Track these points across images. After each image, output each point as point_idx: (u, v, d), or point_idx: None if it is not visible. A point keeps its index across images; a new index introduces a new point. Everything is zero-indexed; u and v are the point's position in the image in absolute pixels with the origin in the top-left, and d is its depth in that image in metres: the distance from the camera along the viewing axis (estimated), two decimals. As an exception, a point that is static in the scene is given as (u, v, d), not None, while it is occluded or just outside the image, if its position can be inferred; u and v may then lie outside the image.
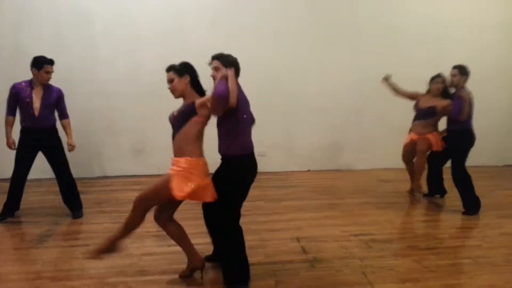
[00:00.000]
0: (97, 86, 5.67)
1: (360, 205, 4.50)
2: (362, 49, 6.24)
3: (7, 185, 4.08)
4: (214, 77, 2.85)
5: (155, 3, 5.71)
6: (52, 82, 5.22)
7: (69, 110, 5.67)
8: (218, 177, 2.76)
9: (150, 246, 3.31)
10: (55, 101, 4.03)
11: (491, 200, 4.72)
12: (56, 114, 4.16)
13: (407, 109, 6.36)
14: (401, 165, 6.41)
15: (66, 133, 4.14)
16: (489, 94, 6.60)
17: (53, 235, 3.54)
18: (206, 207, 2.83)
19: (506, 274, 2.87)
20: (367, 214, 4.16)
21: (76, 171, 5.67)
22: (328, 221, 3.95)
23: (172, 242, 3.35)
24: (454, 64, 6.40)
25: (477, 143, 6.62)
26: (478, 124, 6.59)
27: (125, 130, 5.79)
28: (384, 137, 6.44)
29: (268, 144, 6.07)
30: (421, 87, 6.39)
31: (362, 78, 6.26)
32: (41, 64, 3.86)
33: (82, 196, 4.73)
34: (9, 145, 3.99)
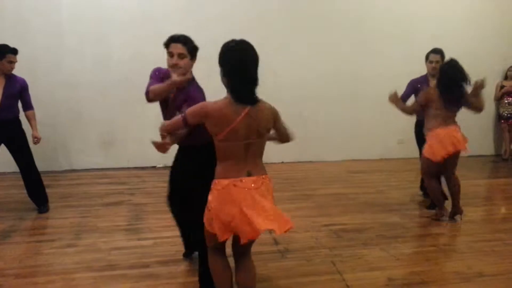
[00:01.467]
0: (63, 76, 5.47)
1: (331, 196, 4.56)
2: (334, 41, 6.29)
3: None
4: (174, 66, 2.52)
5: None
6: (15, 72, 5.01)
7: (34, 102, 5.45)
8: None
9: (119, 240, 3.25)
10: (18, 91, 3.87)
11: (456, 190, 4.89)
12: (20, 105, 3.99)
13: (373, 102, 6.52)
14: (371, 156, 6.59)
15: (31, 125, 3.98)
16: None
17: (17, 231, 3.42)
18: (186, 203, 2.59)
19: (469, 260, 2.97)
20: (337, 205, 4.22)
21: (41, 165, 5.48)
22: (300, 212, 3.99)
23: (142, 236, 3.33)
24: (420, 56, 6.59)
25: (443, 134, 6.91)
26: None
27: (93, 121, 5.63)
28: (353, 129, 6.55)
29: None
30: (389, 80, 6.55)
31: (333, 70, 6.32)
32: (3, 53, 3.70)
33: (48, 190, 4.58)
34: None
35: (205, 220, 2.09)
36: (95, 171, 5.56)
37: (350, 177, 5.50)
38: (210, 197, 2.06)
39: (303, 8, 6.13)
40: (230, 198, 1.98)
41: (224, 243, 2.11)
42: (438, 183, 3.89)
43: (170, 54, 2.56)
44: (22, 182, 4.84)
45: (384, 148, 6.69)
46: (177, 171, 2.70)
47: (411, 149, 6.76)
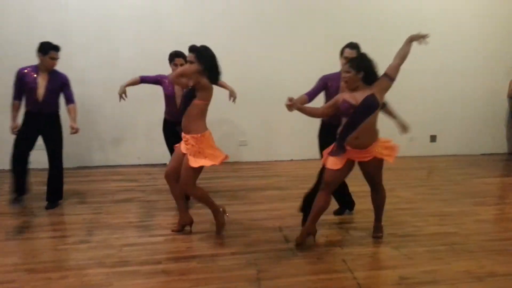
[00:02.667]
0: (72, 74, 5.45)
1: (341, 194, 4.54)
2: (341, 38, 6.22)
3: None
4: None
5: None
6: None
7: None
8: None
9: (130, 236, 3.28)
10: (60, 87, 4.03)
11: (468, 188, 4.85)
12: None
13: (385, 98, 6.47)
14: (382, 154, 6.55)
15: (70, 118, 4.10)
16: (465, 84, 6.75)
17: (30, 227, 3.47)
18: None
19: (481, 259, 2.95)
20: (347, 203, 4.20)
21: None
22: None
23: (153, 232, 3.36)
24: (433, 53, 6.53)
25: (454, 132, 6.85)
26: (455, 114, 6.80)
27: (103, 119, 5.68)
28: (365, 126, 6.51)
29: (250, 134, 6.06)
30: (400, 77, 6.49)
31: (339, 68, 6.27)
32: (46, 50, 3.88)
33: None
34: (12, 128, 4.00)
35: None
36: (106, 168, 5.61)
37: (360, 175, 5.44)
38: None
39: (308, 5, 6.09)
40: None
41: None
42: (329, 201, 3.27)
43: None
44: (35, 179, 4.91)
45: (395, 146, 6.63)
46: None
47: (422, 147, 6.76)
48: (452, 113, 6.81)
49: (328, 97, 3.64)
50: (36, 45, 5.39)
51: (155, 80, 4.17)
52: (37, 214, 3.78)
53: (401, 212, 3.95)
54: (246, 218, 3.71)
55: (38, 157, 5.57)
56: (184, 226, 3.37)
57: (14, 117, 4.00)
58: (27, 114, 3.98)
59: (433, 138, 6.83)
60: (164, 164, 5.71)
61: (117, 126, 5.74)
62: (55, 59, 3.95)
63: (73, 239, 3.22)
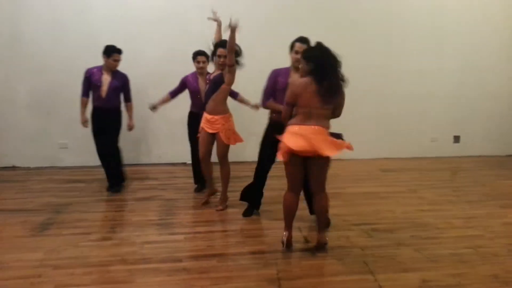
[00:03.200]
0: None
1: (362, 194, 4.50)
2: (364, 37, 6.18)
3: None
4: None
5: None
6: (51, 69, 5.23)
7: (71, 99, 5.68)
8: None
9: (151, 234, 3.32)
10: (121, 85, 4.52)
11: (494, 190, 4.72)
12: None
13: (405, 99, 6.37)
14: (403, 154, 6.45)
15: (128, 115, 4.71)
16: (490, 82, 6.57)
17: (54, 223, 3.54)
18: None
19: (508, 264, 2.87)
20: (368, 204, 4.16)
21: (77, 160, 5.72)
22: (330, 210, 3.87)
23: (174, 230, 3.39)
24: (455, 52, 6.39)
25: (480, 133, 6.68)
26: (480, 113, 6.63)
27: (126, 118, 5.72)
28: (384, 127, 6.43)
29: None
30: (422, 76, 6.39)
31: (362, 66, 6.20)
32: (110, 52, 4.38)
33: (83, 185, 4.77)
34: (82, 122, 4.55)
35: None
36: (128, 166, 5.66)
37: (381, 176, 5.40)
38: None
39: (329, 3, 6.04)
40: None
41: None
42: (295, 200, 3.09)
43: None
44: (58, 177, 5.07)
45: (417, 147, 6.53)
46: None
47: (445, 148, 6.62)
48: (476, 112, 6.64)
49: (277, 92, 3.50)
50: (61, 45, 5.56)
51: (182, 86, 4.56)
52: (60, 211, 3.86)
53: (424, 214, 3.87)
54: (266, 218, 3.71)
55: (61, 155, 5.73)
56: (211, 195, 4.04)
57: (83, 112, 4.52)
58: (94, 109, 4.50)
59: (456, 139, 6.69)
60: (184, 163, 5.78)
61: (139, 126, 5.78)
62: (117, 61, 4.43)
63: (96, 236, 3.27)
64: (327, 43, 6.34)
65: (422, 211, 3.97)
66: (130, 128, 4.72)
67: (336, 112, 3.21)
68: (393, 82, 6.34)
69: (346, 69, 6.51)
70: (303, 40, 3.56)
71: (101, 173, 5.31)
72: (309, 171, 2.98)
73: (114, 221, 3.61)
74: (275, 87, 3.52)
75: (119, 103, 4.59)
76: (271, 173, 3.77)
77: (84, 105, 4.51)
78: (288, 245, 3.02)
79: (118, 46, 5.57)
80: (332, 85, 3.05)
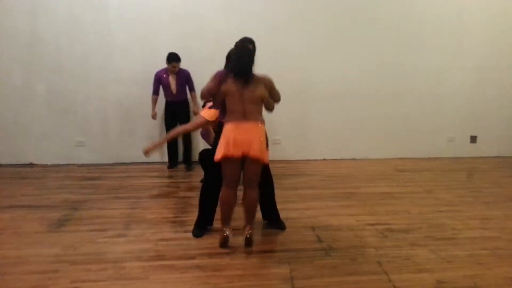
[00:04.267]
0: (113, 73, 5.70)
1: (376, 194, 4.46)
2: (378, 35, 6.12)
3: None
4: None
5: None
6: (69, 67, 5.35)
7: (87, 97, 5.78)
8: None
9: (166, 232, 3.35)
10: (185, 80, 5.44)
11: (511, 191, 4.64)
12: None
13: (421, 98, 6.29)
14: (418, 154, 6.38)
15: (194, 102, 5.55)
16: (507, 81, 6.45)
17: (71, 220, 3.60)
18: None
19: (525, 266, 2.81)
20: (383, 204, 4.12)
21: (93, 157, 5.81)
22: (344, 210, 3.93)
23: (188, 228, 3.41)
24: (472, 49, 6.27)
25: (497, 133, 6.56)
26: (499, 114, 6.51)
27: (140, 116, 5.81)
28: (399, 126, 6.36)
29: (283, 133, 6.05)
30: (438, 75, 6.30)
31: (377, 65, 6.16)
32: (169, 60, 5.25)
33: (99, 182, 4.85)
34: (152, 115, 5.45)
35: None
36: (142, 164, 5.76)
37: (396, 176, 5.35)
38: None
39: (346, 5, 6.00)
40: None
41: None
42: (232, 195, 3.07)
43: None
44: (74, 174, 5.16)
45: (433, 146, 6.45)
46: None
47: (462, 148, 6.52)
48: (494, 112, 6.53)
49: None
50: (78, 45, 5.66)
51: (158, 82, 5.41)
52: (76, 207, 3.92)
53: (440, 215, 3.82)
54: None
55: (78, 152, 5.82)
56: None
57: (153, 107, 5.40)
58: (166, 103, 5.50)
59: (473, 139, 6.58)
60: (196, 161, 5.81)
61: (153, 124, 5.87)
62: (175, 67, 5.28)
63: (112, 232, 3.32)
64: (341, 42, 6.37)
65: (438, 211, 3.92)
66: (195, 113, 5.44)
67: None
68: (409, 81, 6.27)
69: (361, 68, 6.54)
70: (247, 40, 3.19)
71: (117, 171, 5.41)
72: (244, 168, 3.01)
73: (129, 218, 3.65)
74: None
75: (186, 95, 5.52)
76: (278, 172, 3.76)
77: (154, 101, 5.40)
78: (224, 242, 3.04)
79: (134, 45, 5.70)
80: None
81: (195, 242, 3.17)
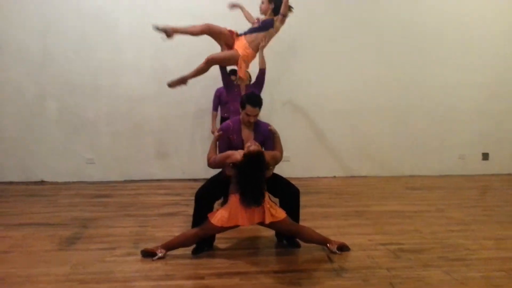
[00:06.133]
0: (122, 90, 5.78)
1: (387, 213, 4.41)
2: (387, 52, 6.15)
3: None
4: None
5: (179, 7, 5.75)
6: (80, 84, 5.43)
7: (98, 114, 5.83)
8: None
9: (175, 251, 3.32)
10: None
11: (527, 210, 4.56)
12: None
13: (431, 115, 6.25)
14: (429, 172, 6.31)
15: None
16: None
17: (81, 238, 3.61)
18: None
19: (543, 289, 2.74)
20: (394, 223, 4.07)
21: (103, 175, 5.84)
22: (355, 229, 3.88)
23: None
24: (483, 63, 6.23)
25: (509, 150, 6.47)
26: (510, 129, 6.41)
27: (150, 134, 5.87)
28: (409, 143, 6.31)
29: (292, 150, 6.03)
30: (448, 91, 6.27)
31: (387, 81, 6.17)
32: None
33: (109, 199, 4.86)
34: (212, 131, 5.19)
35: None
36: (152, 181, 5.78)
37: (407, 194, 5.29)
38: None
39: (352, 14, 6.06)
40: None
41: None
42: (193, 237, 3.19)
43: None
44: (85, 191, 5.18)
45: (444, 164, 6.38)
46: None
47: (474, 165, 6.44)
48: (505, 128, 6.46)
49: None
50: (89, 62, 5.76)
51: (217, 99, 5.28)
52: (87, 226, 3.93)
53: (453, 234, 3.75)
54: (289, 236, 3.67)
55: (89, 170, 5.86)
56: None
57: (213, 124, 5.31)
58: (222, 119, 5.17)
59: (485, 156, 6.50)
60: (206, 179, 5.81)
61: (162, 141, 5.91)
62: (233, 80, 4.74)
63: (121, 251, 3.31)
64: (350, 58, 6.40)
65: (450, 231, 3.85)
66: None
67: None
68: (419, 97, 6.25)
69: (370, 84, 6.55)
70: (255, 102, 3.26)
71: (127, 188, 5.42)
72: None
73: (138, 236, 3.65)
74: (230, 146, 3.33)
75: None
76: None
77: (214, 118, 5.35)
78: (149, 255, 3.13)
79: (143, 63, 5.78)
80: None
81: (204, 261, 3.14)
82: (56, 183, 5.70)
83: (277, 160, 3.27)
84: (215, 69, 4.16)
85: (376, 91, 6.17)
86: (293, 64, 5.93)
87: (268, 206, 3.06)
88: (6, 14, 5.53)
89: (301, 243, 3.42)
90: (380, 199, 4.98)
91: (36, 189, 5.42)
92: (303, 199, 4.84)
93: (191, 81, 5.52)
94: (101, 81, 5.74)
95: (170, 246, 3.20)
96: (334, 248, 3.26)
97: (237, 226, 3.12)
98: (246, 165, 2.96)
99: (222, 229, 3.12)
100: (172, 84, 3.93)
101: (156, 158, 5.97)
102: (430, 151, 6.35)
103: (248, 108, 3.23)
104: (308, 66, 5.99)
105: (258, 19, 4.13)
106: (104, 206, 4.61)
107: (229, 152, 3.14)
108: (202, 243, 3.29)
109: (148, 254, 3.15)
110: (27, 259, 3.15)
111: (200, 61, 5.72)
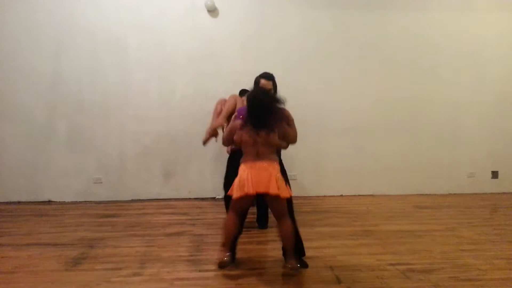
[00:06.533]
0: (131, 111, 5.85)
1: (396, 232, 4.34)
2: (394, 70, 6.18)
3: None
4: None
5: (186, 31, 5.87)
6: (89, 106, 5.50)
7: (106, 134, 5.90)
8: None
9: (181, 271, 3.30)
10: None
11: (539, 229, 4.46)
12: None
13: (439, 133, 6.23)
14: (438, 191, 6.24)
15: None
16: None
17: (87, 258, 3.59)
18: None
19: (559, 310, 2.65)
20: (403, 242, 4.00)
21: (109, 194, 5.85)
22: (363, 249, 3.82)
23: (204, 267, 3.36)
24: (492, 81, 6.24)
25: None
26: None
27: (157, 153, 5.90)
28: (417, 161, 6.27)
29: (299, 168, 6.02)
30: (456, 109, 6.26)
31: (395, 100, 6.18)
32: (241, 94, 4.58)
33: (115, 219, 4.85)
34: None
35: None
36: (158, 201, 5.77)
37: (416, 213, 5.22)
38: None
39: (357, 34, 6.12)
40: None
41: None
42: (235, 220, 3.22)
43: None
44: (92, 211, 5.18)
45: (453, 182, 6.31)
46: None
47: (483, 183, 6.36)
48: (515, 147, 6.40)
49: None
50: (98, 82, 5.87)
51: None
52: (93, 245, 3.92)
53: (464, 254, 3.68)
54: (296, 256, 3.62)
55: (96, 190, 5.88)
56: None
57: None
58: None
59: (494, 174, 6.43)
60: (214, 198, 5.81)
61: (169, 161, 5.94)
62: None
63: (127, 271, 3.28)
64: (357, 77, 6.47)
65: (461, 250, 3.78)
66: None
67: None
68: (427, 116, 6.24)
69: (377, 102, 6.57)
70: (267, 76, 3.57)
71: (134, 208, 5.42)
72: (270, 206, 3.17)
73: (145, 256, 3.62)
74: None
75: None
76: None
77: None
78: (223, 266, 3.13)
79: (152, 85, 5.87)
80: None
81: (210, 282, 3.10)
82: (64, 203, 5.72)
83: (289, 139, 3.29)
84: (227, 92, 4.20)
85: (384, 110, 6.17)
86: (301, 84, 5.98)
87: (277, 176, 3.03)
88: (17, 37, 5.67)
89: (309, 263, 3.37)
90: (389, 218, 4.92)
91: (44, 208, 5.44)
92: (311, 218, 4.85)
93: (200, 105, 5.63)
94: (111, 102, 5.82)
95: (226, 243, 3.18)
96: (290, 265, 3.12)
97: (248, 198, 3.06)
98: (254, 92, 3.11)
99: (240, 202, 3.09)
100: (205, 141, 3.98)
101: (163, 178, 5.99)
102: (439, 169, 6.30)
103: (262, 81, 3.46)
104: (316, 87, 6.03)
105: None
106: (111, 226, 4.60)
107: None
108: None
109: (223, 265, 3.15)
110: (33, 280, 3.14)
111: (205, 81, 5.83)
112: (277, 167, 3.11)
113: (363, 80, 6.13)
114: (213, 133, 3.96)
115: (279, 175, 3.08)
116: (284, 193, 3.07)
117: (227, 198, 3.53)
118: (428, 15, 6.18)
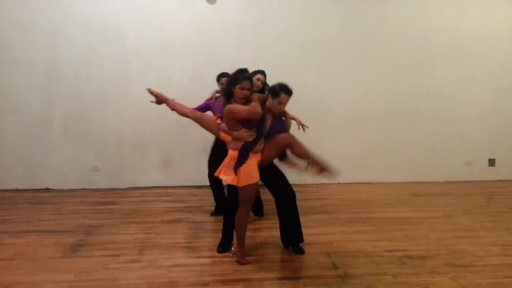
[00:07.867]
0: (129, 100, 5.81)
1: (393, 219, 4.37)
2: (392, 59, 6.15)
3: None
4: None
5: (184, 20, 5.81)
6: (87, 95, 5.46)
7: (104, 122, 5.87)
8: None
9: (179, 257, 3.32)
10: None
11: (534, 216, 4.50)
12: None
13: (437, 121, 6.23)
14: (435, 178, 6.27)
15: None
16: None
17: (85, 245, 3.61)
18: None
19: (552, 295, 2.69)
20: (400, 229, 4.03)
21: (107, 182, 5.85)
22: (360, 235, 3.85)
23: (201, 254, 3.38)
24: (489, 70, 6.24)
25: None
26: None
27: (155, 142, 5.89)
28: (414, 149, 6.29)
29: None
30: (454, 97, 6.25)
31: (392, 88, 6.16)
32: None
33: (114, 207, 4.87)
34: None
35: None
36: (156, 189, 5.78)
37: (412, 200, 5.25)
38: None
39: (356, 24, 6.08)
40: None
41: None
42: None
43: None
44: (89, 199, 5.20)
45: (450, 170, 6.34)
46: None
47: (480, 171, 6.39)
48: (511, 134, 6.41)
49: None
50: (95, 72, 5.81)
51: (206, 108, 4.64)
52: (91, 233, 3.93)
53: (459, 241, 3.71)
54: (294, 242, 3.64)
55: (93, 178, 5.88)
56: None
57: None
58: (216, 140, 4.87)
59: (491, 162, 6.45)
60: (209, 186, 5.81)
61: (167, 150, 5.93)
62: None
63: (125, 258, 3.31)
64: (354, 66, 6.44)
65: (457, 237, 3.81)
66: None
67: None
68: (424, 104, 6.24)
69: (375, 91, 6.54)
70: (290, 92, 3.55)
71: (132, 195, 5.43)
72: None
73: (142, 243, 3.64)
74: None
75: None
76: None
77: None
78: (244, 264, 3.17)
79: (149, 73, 5.82)
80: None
81: (208, 268, 3.13)
82: (61, 190, 5.73)
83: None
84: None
85: (382, 98, 6.16)
86: (298, 73, 5.94)
87: (245, 169, 3.07)
88: (14, 26, 5.60)
89: (306, 249, 3.40)
90: (386, 206, 4.94)
91: (42, 196, 5.44)
92: (308, 205, 4.86)
93: (196, 94, 5.59)
94: (107, 91, 5.78)
95: (239, 240, 3.23)
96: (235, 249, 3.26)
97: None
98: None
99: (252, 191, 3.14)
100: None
101: (160, 166, 5.99)
102: (436, 158, 6.32)
103: (283, 96, 3.41)
104: (313, 76, 6.00)
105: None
106: (109, 213, 4.61)
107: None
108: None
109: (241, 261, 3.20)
110: (32, 266, 3.16)
111: (201, 71, 5.78)
112: (249, 161, 3.12)
113: (361, 69, 6.11)
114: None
115: (245, 170, 3.08)
116: (244, 180, 3.07)
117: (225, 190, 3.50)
118: (426, 6, 6.13)
